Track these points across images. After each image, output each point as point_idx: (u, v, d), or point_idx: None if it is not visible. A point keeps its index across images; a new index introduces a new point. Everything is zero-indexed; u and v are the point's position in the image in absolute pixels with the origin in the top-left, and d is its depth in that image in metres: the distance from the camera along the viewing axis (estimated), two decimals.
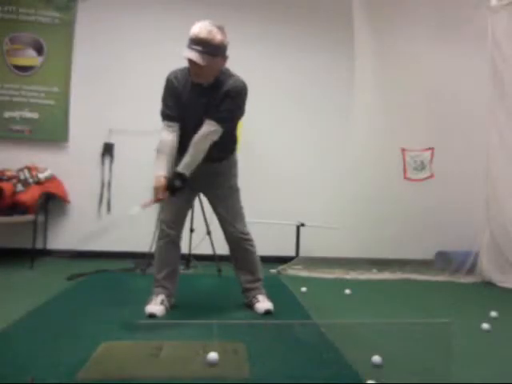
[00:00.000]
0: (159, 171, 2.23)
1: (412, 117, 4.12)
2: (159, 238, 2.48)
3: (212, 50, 2.14)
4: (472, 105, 4.08)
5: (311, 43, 4.53)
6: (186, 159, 2.24)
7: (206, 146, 2.26)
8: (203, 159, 2.28)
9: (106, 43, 4.28)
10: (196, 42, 2.12)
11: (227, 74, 2.30)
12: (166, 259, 2.47)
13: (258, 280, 2.58)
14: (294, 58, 4.52)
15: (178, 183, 2.20)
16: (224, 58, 2.25)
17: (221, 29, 2.18)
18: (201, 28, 2.13)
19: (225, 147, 2.43)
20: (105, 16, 4.28)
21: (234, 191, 2.52)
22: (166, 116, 2.33)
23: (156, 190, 2.21)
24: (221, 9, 4.19)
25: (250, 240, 2.56)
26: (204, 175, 2.37)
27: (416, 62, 4.05)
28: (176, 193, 2.23)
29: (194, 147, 2.25)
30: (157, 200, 2.23)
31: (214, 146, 2.29)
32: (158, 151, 2.30)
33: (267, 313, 2.42)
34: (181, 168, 2.23)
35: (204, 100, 2.28)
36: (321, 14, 4.53)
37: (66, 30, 4.20)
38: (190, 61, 2.15)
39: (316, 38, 4.53)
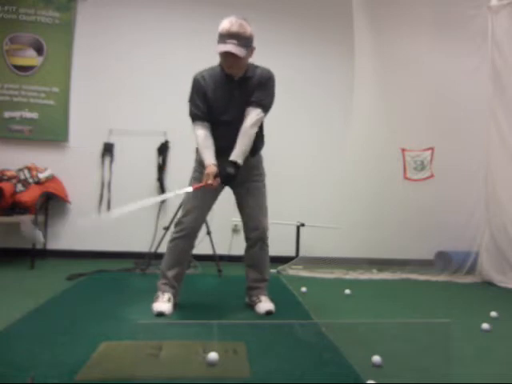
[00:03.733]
0: (210, 160, 2.29)
1: (412, 117, 4.11)
2: (176, 234, 2.44)
3: (245, 41, 2.23)
4: (472, 105, 4.07)
5: (311, 43, 4.52)
6: (239, 148, 2.29)
7: (254, 133, 2.32)
8: None
9: (106, 43, 4.28)
10: (230, 36, 2.19)
11: (253, 66, 2.39)
12: (180, 256, 2.46)
13: (264, 280, 2.59)
14: (294, 57, 4.51)
15: (231, 170, 2.25)
16: (252, 49, 2.32)
17: (247, 21, 2.27)
18: (231, 23, 2.21)
19: (261, 139, 2.50)
20: (105, 16, 4.28)
21: (263, 186, 2.55)
22: (197, 116, 2.36)
23: (207, 175, 2.25)
24: (221, 9, 4.18)
25: (267, 239, 2.57)
26: (242, 169, 2.34)
27: (416, 62, 4.05)
28: (231, 181, 2.31)
29: (245, 136, 2.30)
30: (207, 185, 2.26)
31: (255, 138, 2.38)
32: (201, 146, 2.34)
33: (268, 313, 2.42)
34: (234, 157, 2.27)
35: (237, 93, 2.34)
36: (321, 14, 4.53)
37: (66, 30, 4.20)
38: (226, 54, 2.21)
39: (316, 37, 4.53)
